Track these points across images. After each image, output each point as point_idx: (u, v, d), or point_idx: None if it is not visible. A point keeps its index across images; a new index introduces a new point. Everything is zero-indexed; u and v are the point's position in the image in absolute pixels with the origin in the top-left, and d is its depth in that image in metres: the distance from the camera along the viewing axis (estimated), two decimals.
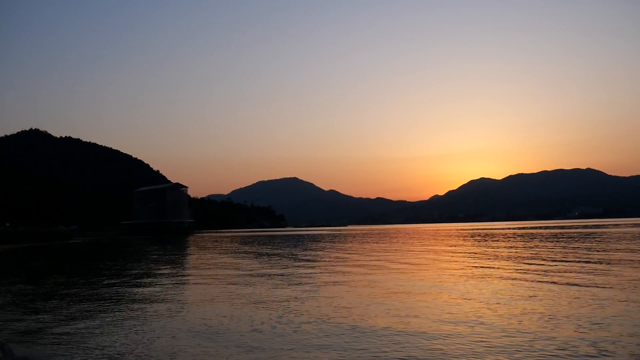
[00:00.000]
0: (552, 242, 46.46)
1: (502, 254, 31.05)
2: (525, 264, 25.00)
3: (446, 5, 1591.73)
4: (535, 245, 38.34)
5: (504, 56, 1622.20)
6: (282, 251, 40.00)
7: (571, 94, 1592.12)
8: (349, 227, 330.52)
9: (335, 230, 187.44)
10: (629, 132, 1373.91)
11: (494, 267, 23.72)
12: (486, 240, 53.17)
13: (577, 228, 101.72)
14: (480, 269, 23.03)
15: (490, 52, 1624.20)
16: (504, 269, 22.98)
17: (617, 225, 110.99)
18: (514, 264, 24.76)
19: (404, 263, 26.78)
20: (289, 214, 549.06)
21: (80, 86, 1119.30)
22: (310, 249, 41.82)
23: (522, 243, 45.37)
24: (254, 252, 37.48)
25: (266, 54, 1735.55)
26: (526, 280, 18.66)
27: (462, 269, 23.47)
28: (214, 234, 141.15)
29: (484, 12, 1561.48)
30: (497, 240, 52.34)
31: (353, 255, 34.43)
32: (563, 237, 55.39)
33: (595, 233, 66.98)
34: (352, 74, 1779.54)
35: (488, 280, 18.94)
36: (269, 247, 47.87)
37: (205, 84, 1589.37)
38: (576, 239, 49.08)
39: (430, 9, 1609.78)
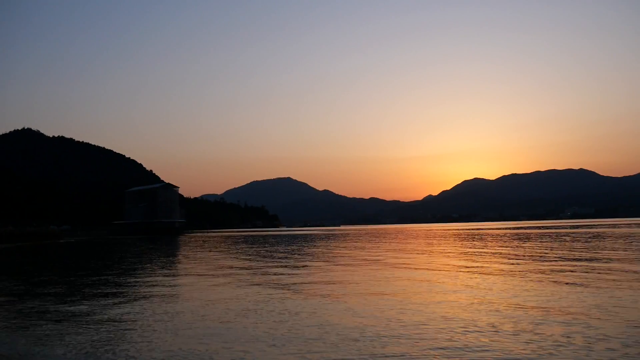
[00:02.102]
0: (518, 243, 47.92)
1: (445, 264, 32.18)
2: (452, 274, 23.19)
3: (441, 6, 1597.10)
4: (487, 253, 39.54)
5: (498, 57, 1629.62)
6: (244, 257, 41.25)
7: (565, 94, 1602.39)
8: (342, 227, 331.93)
9: (327, 230, 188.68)
10: (622, 133, 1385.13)
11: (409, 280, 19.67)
12: (442, 243, 54.46)
13: (558, 228, 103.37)
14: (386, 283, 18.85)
15: (484, 53, 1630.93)
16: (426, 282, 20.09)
17: (601, 226, 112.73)
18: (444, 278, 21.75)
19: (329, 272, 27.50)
20: (283, 214, 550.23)
21: (74, 86, 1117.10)
22: (276, 256, 43.17)
23: (483, 247, 46.68)
24: (213, 264, 38.63)
25: (261, 54, 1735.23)
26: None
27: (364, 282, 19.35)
28: (202, 234, 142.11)
29: (477, 12, 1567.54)
30: (458, 243, 53.67)
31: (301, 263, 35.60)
32: (531, 238, 56.84)
33: (569, 233, 68.51)
34: (346, 75, 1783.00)
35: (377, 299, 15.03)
36: (234, 253, 49.08)
37: (200, 84, 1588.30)
38: (543, 240, 50.59)
39: (425, 10, 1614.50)
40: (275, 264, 29.30)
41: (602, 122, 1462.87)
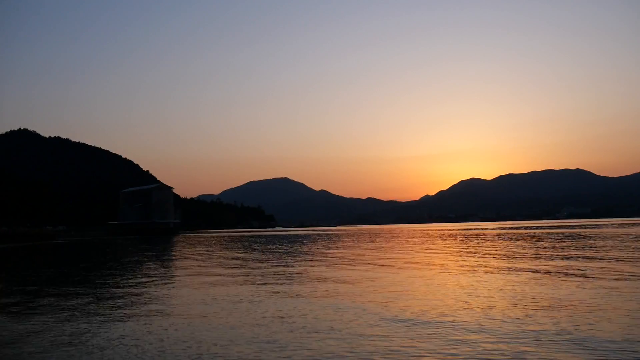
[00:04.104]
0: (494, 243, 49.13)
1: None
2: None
3: (438, 6, 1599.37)
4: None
5: (495, 57, 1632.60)
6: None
7: (561, 94, 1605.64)
8: (338, 227, 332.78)
9: (322, 230, 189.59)
10: (618, 133, 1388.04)
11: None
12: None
13: (545, 228, 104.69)
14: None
15: (481, 53, 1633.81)
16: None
17: (591, 226, 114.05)
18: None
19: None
20: (280, 214, 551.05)
21: (70, 86, 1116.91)
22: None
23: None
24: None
25: (258, 54, 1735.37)
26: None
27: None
28: (196, 235, 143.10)
29: (474, 13, 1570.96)
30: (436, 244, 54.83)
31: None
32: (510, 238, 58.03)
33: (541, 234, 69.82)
34: (343, 75, 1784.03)
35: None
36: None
37: (197, 84, 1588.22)
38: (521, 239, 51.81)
39: (421, 10, 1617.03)
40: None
41: (599, 122, 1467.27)
